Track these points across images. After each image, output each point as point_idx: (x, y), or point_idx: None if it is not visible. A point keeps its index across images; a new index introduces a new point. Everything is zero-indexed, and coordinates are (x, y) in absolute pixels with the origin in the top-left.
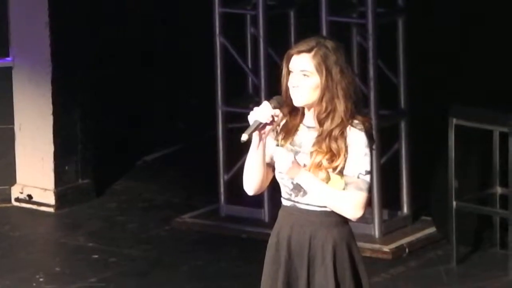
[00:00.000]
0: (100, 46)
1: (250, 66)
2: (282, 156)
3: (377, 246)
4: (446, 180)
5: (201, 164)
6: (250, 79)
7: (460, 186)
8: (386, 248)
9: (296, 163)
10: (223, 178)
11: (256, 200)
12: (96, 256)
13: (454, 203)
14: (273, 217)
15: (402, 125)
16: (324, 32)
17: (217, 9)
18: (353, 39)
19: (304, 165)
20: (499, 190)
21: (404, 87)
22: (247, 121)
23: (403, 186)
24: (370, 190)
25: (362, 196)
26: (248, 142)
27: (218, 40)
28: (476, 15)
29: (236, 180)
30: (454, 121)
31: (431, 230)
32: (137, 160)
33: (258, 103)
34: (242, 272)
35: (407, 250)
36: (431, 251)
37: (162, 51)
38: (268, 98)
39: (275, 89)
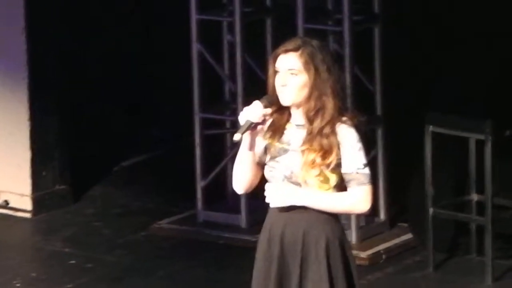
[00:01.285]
0: (77, 51)
1: (227, 72)
2: (272, 191)
3: (354, 252)
4: (423, 186)
5: (179, 170)
6: (227, 86)
7: (437, 193)
8: (363, 254)
9: (288, 189)
10: (200, 184)
11: (234, 206)
12: (72, 262)
13: (431, 209)
14: (251, 223)
15: (379, 132)
16: None
17: (194, 16)
18: (329, 46)
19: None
20: (475, 197)
21: (380, 94)
22: (224, 127)
23: (380, 192)
24: (373, 181)
25: (365, 190)
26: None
27: (194, 46)
28: (453, 21)
29: (214, 186)
30: (431, 128)
31: (408, 236)
32: (114, 166)
33: (235, 110)
34: (219, 278)
35: (384, 256)
36: (408, 257)
37: (140, 57)
38: (245, 105)
39: (252, 95)
